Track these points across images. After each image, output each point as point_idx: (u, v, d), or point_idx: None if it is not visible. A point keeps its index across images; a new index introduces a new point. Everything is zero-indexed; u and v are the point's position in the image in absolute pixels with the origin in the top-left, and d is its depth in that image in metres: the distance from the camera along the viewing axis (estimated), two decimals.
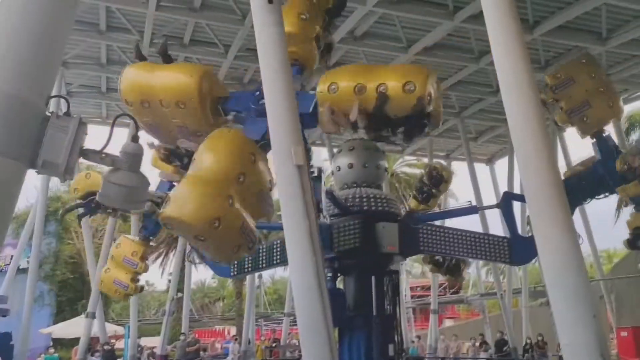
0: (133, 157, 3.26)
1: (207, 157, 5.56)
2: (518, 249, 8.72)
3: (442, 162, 24.04)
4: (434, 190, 11.48)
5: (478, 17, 11.78)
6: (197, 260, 9.18)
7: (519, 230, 9.79)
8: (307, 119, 6.75)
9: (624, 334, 20.84)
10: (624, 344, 20.71)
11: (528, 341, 20.99)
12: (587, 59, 9.00)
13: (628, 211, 9.17)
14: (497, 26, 5.51)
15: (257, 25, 6.03)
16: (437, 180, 11.48)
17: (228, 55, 15.34)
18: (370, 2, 12.62)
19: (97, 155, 3.18)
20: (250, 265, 9.42)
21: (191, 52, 15.42)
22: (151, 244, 9.47)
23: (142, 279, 9.49)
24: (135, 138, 3.34)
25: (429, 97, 6.47)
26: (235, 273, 9.61)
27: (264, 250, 9.22)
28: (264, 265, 9.36)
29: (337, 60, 16.18)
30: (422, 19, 13.73)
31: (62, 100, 4.20)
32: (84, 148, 3.11)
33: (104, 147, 3.20)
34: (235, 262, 9.29)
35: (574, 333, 4.46)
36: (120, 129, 9.61)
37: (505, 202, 9.58)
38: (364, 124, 6.72)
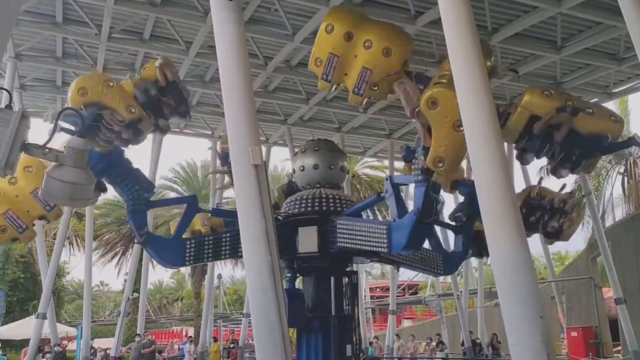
0: (78, 152, 3.15)
1: None
2: (394, 234, 7.58)
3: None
4: None
5: (438, 22, 11.95)
6: (138, 239, 8.32)
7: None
8: None
9: (574, 333, 21.53)
10: (573, 343, 21.40)
11: (478, 341, 21.49)
12: None
13: None
14: (454, 33, 5.61)
15: (215, 23, 5.97)
16: None
17: (189, 52, 15.10)
18: (333, 3, 12.65)
19: (40, 150, 3.06)
20: (192, 256, 8.41)
21: (151, 47, 15.11)
22: None
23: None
24: (80, 133, 3.24)
25: None
26: (190, 261, 8.53)
27: (212, 241, 8.56)
28: (226, 254, 8.66)
29: (300, 61, 16.22)
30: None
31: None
32: (27, 142, 2.99)
33: (47, 142, 3.08)
34: (191, 248, 8.37)
35: (521, 333, 4.58)
36: None
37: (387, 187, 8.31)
38: None
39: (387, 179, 8.08)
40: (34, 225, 8.00)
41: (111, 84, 6.84)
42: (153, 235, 8.62)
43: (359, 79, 6.81)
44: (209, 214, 9.70)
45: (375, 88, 6.96)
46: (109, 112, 6.62)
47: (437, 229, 8.77)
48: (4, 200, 7.61)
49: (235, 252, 8.40)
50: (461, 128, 5.70)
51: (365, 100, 7.12)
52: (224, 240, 8.50)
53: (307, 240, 8.46)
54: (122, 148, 7.73)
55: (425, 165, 6.43)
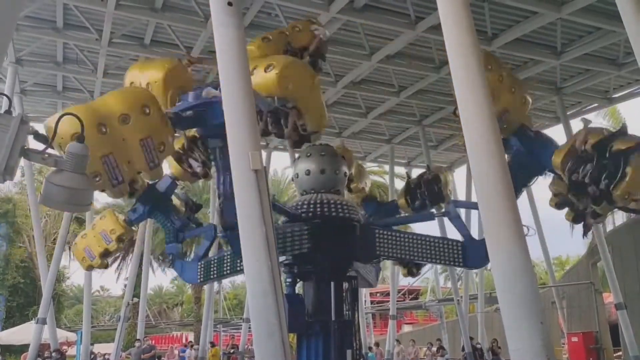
0: (78, 157, 3.16)
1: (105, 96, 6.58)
2: (471, 252, 8.81)
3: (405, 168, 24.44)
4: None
5: (438, 27, 11.99)
6: (168, 264, 9.82)
7: (474, 235, 9.96)
8: None
9: (574, 339, 21.44)
10: (574, 348, 21.32)
11: (478, 346, 21.42)
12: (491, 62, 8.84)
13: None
14: (454, 38, 5.61)
15: (216, 27, 5.98)
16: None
17: None
18: (333, 9, 12.70)
19: (39, 156, 3.07)
20: (215, 272, 9.55)
21: (152, 52, 15.14)
22: (133, 228, 10.33)
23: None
24: (80, 138, 3.24)
25: None
26: (202, 280, 9.83)
27: (229, 256, 9.21)
28: (227, 272, 9.42)
29: None
30: (385, 28, 13.91)
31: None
32: (26, 148, 2.99)
33: (47, 147, 3.09)
34: (202, 269, 9.56)
35: (521, 338, 4.57)
36: None
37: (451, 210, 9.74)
38: None
39: (450, 202, 9.77)
40: (133, 181, 6.73)
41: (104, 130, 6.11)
42: (177, 261, 10.01)
43: (145, 152, 6.42)
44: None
45: (162, 149, 6.67)
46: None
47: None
48: (109, 142, 6.08)
49: (234, 270, 9.13)
50: None
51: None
52: (225, 259, 9.26)
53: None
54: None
55: None
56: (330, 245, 8.62)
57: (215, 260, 9.44)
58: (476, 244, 8.77)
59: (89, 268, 9.96)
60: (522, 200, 16.37)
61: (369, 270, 10.07)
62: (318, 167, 9.16)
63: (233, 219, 5.76)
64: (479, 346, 21.60)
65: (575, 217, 8.82)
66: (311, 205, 8.88)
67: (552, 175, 8.66)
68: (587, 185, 7.78)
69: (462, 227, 9.28)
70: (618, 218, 29.18)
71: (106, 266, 9.93)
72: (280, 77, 7.38)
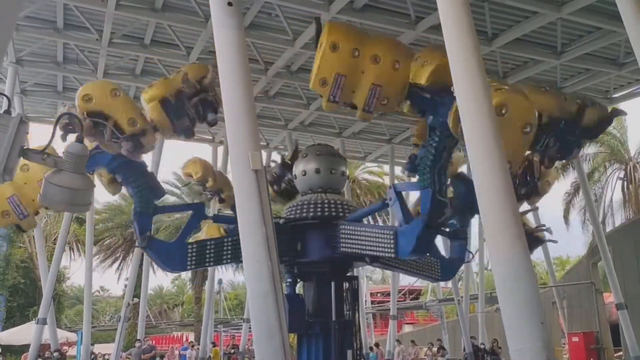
0: (77, 158, 3.15)
1: None
2: (401, 240, 7.54)
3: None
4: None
5: (438, 28, 11.98)
6: (140, 243, 8.34)
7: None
8: None
9: (575, 339, 21.43)
10: (575, 349, 21.31)
11: (482, 346, 21.41)
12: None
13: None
14: (454, 39, 5.60)
15: (216, 28, 5.98)
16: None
17: (190, 57, 15.12)
18: (334, 9, 12.69)
19: (38, 156, 3.06)
20: (211, 257, 8.39)
21: (152, 52, 15.16)
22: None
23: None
24: (79, 138, 3.23)
25: None
26: (193, 265, 8.45)
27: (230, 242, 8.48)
28: (228, 258, 8.52)
29: (300, 66, 16.26)
30: (385, 28, 13.89)
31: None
32: (25, 148, 2.99)
33: (46, 147, 3.08)
34: (193, 253, 8.27)
35: (522, 338, 4.56)
36: None
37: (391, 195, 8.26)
38: None
39: (390, 187, 8.05)
40: (37, 214, 8.21)
41: (118, 94, 6.79)
42: (155, 239, 8.54)
43: (369, 96, 6.62)
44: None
45: (385, 102, 6.84)
46: (111, 122, 6.59)
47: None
48: (12, 186, 7.75)
49: (236, 257, 8.26)
50: (530, 133, 5.86)
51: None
52: (225, 245, 8.41)
53: (311, 245, 8.47)
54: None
55: None
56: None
57: (213, 244, 8.38)
58: (405, 230, 7.45)
59: (17, 229, 9.05)
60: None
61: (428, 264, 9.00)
62: (313, 167, 9.13)
63: None
64: (482, 346, 21.60)
65: None
66: (304, 206, 8.83)
67: None
68: None
69: (398, 213, 7.84)
70: (618, 218, 29.24)
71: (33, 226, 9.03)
72: None
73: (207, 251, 8.32)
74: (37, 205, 8.14)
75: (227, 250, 8.37)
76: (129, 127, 6.68)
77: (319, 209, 8.76)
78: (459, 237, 8.58)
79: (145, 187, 8.18)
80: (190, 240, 8.77)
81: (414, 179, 7.71)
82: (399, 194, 7.80)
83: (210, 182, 9.19)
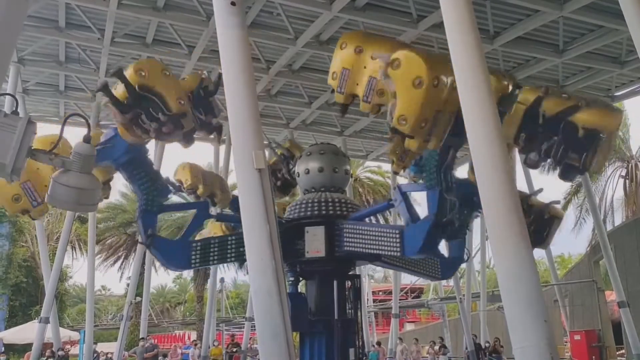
0: (84, 158, 3.17)
1: None
2: (407, 239, 7.60)
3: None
4: None
5: (440, 26, 12.01)
6: (144, 240, 8.19)
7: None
8: None
9: (577, 337, 21.48)
10: (577, 347, 21.34)
11: (487, 344, 21.42)
12: None
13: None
14: (456, 37, 5.61)
15: (219, 27, 5.98)
16: None
17: (192, 56, 15.14)
18: (335, 8, 12.69)
19: (46, 156, 3.08)
20: (198, 259, 8.34)
21: (154, 52, 15.16)
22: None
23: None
24: (87, 139, 3.25)
25: None
26: (196, 264, 8.45)
27: (234, 240, 8.44)
28: (232, 257, 8.49)
29: (302, 65, 16.27)
30: (387, 26, 13.89)
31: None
32: (33, 148, 3.00)
33: (54, 148, 3.10)
34: (197, 251, 8.29)
35: (525, 337, 4.57)
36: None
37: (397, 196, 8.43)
38: None
39: (395, 188, 8.21)
40: None
41: (168, 74, 6.90)
42: (158, 237, 8.45)
43: (367, 87, 7.03)
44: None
45: (382, 94, 7.07)
46: (160, 98, 6.61)
47: None
48: (26, 170, 7.32)
49: (240, 256, 8.21)
50: (422, 86, 5.93)
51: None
52: (229, 243, 8.39)
53: (314, 242, 8.43)
54: (147, 148, 7.88)
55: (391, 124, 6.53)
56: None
57: (217, 242, 8.37)
58: (411, 229, 7.52)
59: (24, 213, 8.13)
60: None
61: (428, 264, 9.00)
62: (317, 166, 9.13)
63: None
64: (487, 344, 21.62)
65: None
66: (308, 205, 8.84)
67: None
68: None
69: (404, 212, 7.97)
70: (618, 217, 29.23)
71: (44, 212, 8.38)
72: None
73: (211, 249, 8.31)
74: None
75: (231, 248, 8.35)
76: (177, 106, 6.70)
77: (323, 208, 8.78)
78: (457, 236, 8.61)
79: (151, 185, 8.12)
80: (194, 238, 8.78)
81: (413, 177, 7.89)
82: (404, 195, 7.98)
83: (200, 190, 8.94)
